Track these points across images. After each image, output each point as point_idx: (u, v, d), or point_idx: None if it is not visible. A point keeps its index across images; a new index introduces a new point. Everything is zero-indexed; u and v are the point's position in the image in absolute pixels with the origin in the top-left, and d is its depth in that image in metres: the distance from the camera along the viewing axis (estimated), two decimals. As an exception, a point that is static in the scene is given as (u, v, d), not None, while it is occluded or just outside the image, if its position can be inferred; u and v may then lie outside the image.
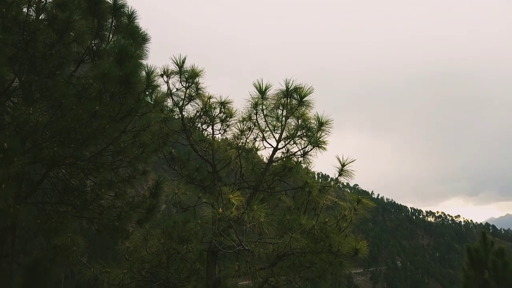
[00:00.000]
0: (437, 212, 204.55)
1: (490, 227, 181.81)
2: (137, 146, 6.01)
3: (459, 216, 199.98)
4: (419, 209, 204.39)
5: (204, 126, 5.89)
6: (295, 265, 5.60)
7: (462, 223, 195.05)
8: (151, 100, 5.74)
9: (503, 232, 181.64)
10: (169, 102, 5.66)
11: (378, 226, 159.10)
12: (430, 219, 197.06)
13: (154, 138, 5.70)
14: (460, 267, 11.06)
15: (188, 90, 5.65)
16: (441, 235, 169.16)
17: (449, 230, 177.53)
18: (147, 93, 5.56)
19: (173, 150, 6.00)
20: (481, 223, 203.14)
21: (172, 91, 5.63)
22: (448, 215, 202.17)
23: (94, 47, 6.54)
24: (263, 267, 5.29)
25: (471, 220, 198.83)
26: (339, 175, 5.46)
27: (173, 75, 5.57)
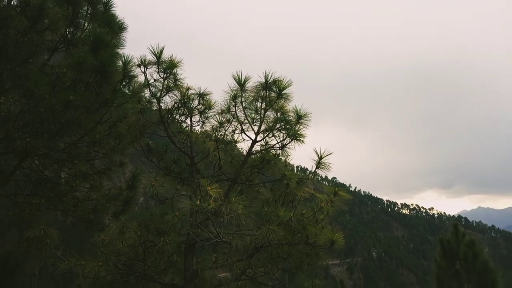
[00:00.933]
0: (412, 204, 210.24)
1: (463, 220, 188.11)
2: (113, 137, 5.89)
3: (432, 208, 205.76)
4: (394, 201, 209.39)
5: (182, 118, 5.84)
6: (273, 257, 5.65)
7: (436, 215, 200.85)
8: (128, 91, 5.63)
9: (474, 224, 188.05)
10: (146, 93, 5.57)
11: (355, 218, 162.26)
12: (405, 211, 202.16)
13: (131, 130, 5.61)
14: (433, 258, 11.39)
15: (166, 81, 5.57)
16: (415, 227, 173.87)
17: (423, 222, 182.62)
18: (123, 83, 5.46)
19: (150, 142, 5.92)
20: (453, 215, 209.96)
21: (150, 82, 5.54)
22: (422, 207, 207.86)
23: (69, 35, 6.35)
24: (240, 259, 5.32)
25: (444, 213, 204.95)
26: (316, 168, 5.52)
27: (150, 66, 5.48)
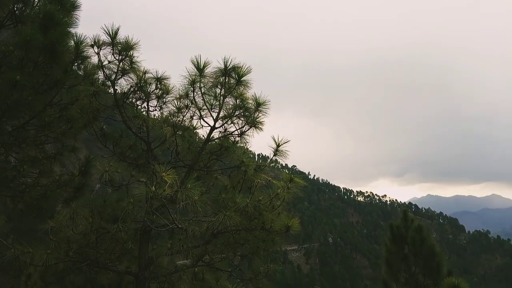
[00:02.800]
0: (366, 192, 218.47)
1: (413, 206, 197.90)
2: (64, 120, 5.60)
3: (385, 196, 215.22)
4: (350, 189, 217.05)
5: (139, 102, 5.67)
6: (230, 243, 5.69)
7: (388, 202, 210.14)
8: (81, 72, 5.37)
9: (423, 211, 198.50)
10: (100, 75, 5.34)
11: (313, 205, 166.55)
12: (360, 198, 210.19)
13: (83, 113, 5.38)
14: (383, 242, 11.90)
15: (121, 63, 5.37)
16: (369, 213, 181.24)
17: (376, 209, 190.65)
18: (76, 64, 5.19)
19: (104, 126, 5.71)
20: (404, 202, 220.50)
21: (104, 64, 5.32)
22: (376, 194, 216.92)
23: (17, 11, 5.95)
24: (197, 245, 5.31)
25: (396, 200, 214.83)
26: (274, 155, 5.59)
27: (104, 46, 5.24)
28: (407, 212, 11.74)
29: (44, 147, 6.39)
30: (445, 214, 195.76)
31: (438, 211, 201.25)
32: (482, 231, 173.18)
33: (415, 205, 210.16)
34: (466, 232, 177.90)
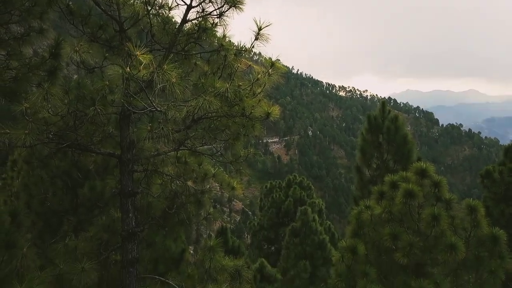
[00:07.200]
0: (348, 87, 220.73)
1: (392, 101, 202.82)
2: (26, -4, 5.12)
3: (366, 91, 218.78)
4: (333, 84, 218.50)
5: (106, -24, 5.12)
6: (211, 129, 5.76)
7: (369, 97, 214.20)
8: None
9: (402, 105, 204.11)
10: None
11: (295, 100, 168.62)
12: (342, 93, 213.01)
13: (45, -14, 4.87)
14: (359, 132, 12.37)
15: None
16: (349, 108, 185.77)
17: (357, 103, 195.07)
18: None
19: (70, 3, 5.25)
20: (384, 97, 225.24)
21: None
22: (358, 89, 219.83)
23: None
24: (177, 130, 5.35)
25: (376, 95, 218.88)
26: (256, 39, 5.36)
27: None
28: (385, 103, 12.02)
29: (9, 28, 5.95)
30: (422, 108, 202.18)
31: (415, 106, 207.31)
32: (455, 124, 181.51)
33: (394, 99, 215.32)
34: (440, 125, 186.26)
